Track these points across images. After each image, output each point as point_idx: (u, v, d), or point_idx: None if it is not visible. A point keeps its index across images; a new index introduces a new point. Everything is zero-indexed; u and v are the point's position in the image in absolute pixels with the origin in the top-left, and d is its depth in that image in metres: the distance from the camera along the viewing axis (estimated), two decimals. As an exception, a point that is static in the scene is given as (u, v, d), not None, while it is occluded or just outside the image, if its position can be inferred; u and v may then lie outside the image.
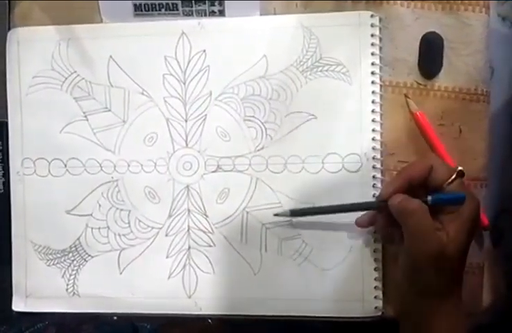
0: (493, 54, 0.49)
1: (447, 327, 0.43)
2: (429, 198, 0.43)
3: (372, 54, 0.49)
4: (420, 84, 0.49)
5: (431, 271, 0.43)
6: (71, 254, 0.53)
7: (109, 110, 0.52)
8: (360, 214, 0.47)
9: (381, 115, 0.49)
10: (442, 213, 0.43)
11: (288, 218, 0.50)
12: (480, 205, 0.44)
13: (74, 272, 0.53)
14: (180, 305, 0.51)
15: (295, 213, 0.48)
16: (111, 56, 0.52)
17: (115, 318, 0.54)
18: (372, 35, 0.49)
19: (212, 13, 0.50)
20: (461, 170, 0.44)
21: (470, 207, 0.43)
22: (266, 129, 0.50)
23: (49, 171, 0.53)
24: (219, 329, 0.54)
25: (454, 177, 0.43)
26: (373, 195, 0.49)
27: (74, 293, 0.53)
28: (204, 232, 0.51)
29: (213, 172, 0.51)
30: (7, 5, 0.53)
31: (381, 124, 0.49)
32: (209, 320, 0.53)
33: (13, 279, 0.54)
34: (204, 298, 0.51)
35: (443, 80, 0.49)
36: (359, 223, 0.47)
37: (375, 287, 0.49)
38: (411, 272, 0.44)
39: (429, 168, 0.44)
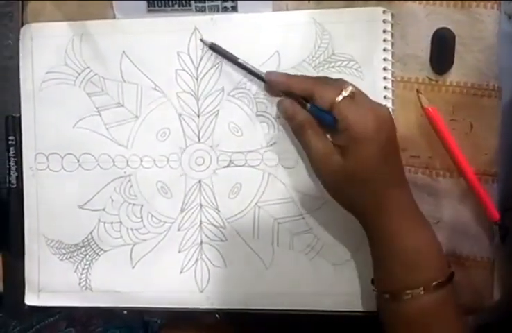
0: (499, 52, 0.50)
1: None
2: (308, 105, 0.45)
3: (384, 50, 0.49)
4: (432, 79, 0.50)
5: (327, 183, 0.45)
6: (83, 249, 0.53)
7: (122, 105, 0.52)
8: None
9: (392, 111, 0.49)
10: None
11: (299, 214, 0.50)
12: (381, 120, 0.43)
13: (87, 266, 0.53)
14: (191, 299, 0.52)
15: (213, 46, 0.50)
16: (124, 52, 0.52)
17: (125, 312, 0.54)
18: (384, 31, 0.49)
19: (225, 9, 0.51)
20: (349, 91, 0.43)
21: (359, 124, 0.42)
22: (278, 124, 0.50)
23: (62, 166, 0.53)
24: (227, 324, 0.54)
25: (339, 99, 0.43)
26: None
27: (87, 287, 0.53)
28: (216, 226, 0.51)
29: (225, 167, 0.51)
30: (21, 2, 0.53)
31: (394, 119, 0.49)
32: (217, 315, 0.54)
33: (26, 273, 0.54)
34: (216, 292, 0.52)
35: (455, 75, 0.49)
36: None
37: (386, 281, 0.49)
38: (329, 192, 0.46)
39: (310, 92, 0.44)
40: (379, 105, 0.45)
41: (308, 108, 0.45)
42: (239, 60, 0.50)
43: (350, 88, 0.44)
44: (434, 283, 0.42)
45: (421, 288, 0.42)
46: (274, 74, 0.48)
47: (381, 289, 0.45)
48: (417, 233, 0.44)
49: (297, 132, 0.47)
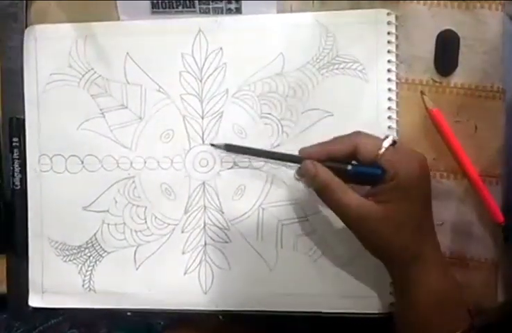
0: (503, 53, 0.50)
1: (428, 288, 0.43)
2: (349, 167, 0.43)
3: (389, 52, 0.49)
4: (436, 81, 0.50)
5: (366, 235, 0.43)
6: (87, 251, 0.53)
7: (126, 107, 0.52)
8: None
9: (397, 112, 0.49)
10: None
11: (303, 216, 0.50)
12: (424, 166, 0.43)
13: (90, 268, 0.53)
14: (195, 301, 0.52)
15: (229, 147, 0.49)
16: (128, 53, 0.52)
17: (129, 314, 0.54)
18: (388, 33, 0.49)
19: (229, 11, 0.51)
20: (391, 139, 0.43)
21: (406, 172, 0.42)
22: (282, 126, 0.50)
23: (66, 167, 0.53)
24: (230, 325, 0.54)
25: (383, 150, 0.42)
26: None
27: (90, 288, 0.53)
28: (220, 228, 0.51)
29: (229, 169, 0.51)
30: (25, 3, 0.53)
31: (397, 121, 0.49)
32: (221, 317, 0.54)
33: (30, 275, 0.54)
34: (219, 294, 0.52)
35: (459, 77, 0.49)
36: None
37: (390, 283, 0.49)
38: (366, 244, 0.45)
39: (353, 147, 0.43)
40: (416, 151, 0.44)
41: (350, 169, 0.43)
42: (264, 150, 0.49)
43: (391, 137, 0.43)
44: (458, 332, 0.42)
45: None
46: (306, 149, 0.45)
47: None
48: (445, 284, 0.44)
49: (323, 190, 0.44)
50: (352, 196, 0.43)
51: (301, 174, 0.46)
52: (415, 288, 0.43)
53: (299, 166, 0.46)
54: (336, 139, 0.45)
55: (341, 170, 0.44)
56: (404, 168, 0.42)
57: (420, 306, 0.43)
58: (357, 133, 0.44)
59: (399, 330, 0.46)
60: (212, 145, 0.50)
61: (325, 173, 0.43)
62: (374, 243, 0.44)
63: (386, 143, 0.42)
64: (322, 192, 0.44)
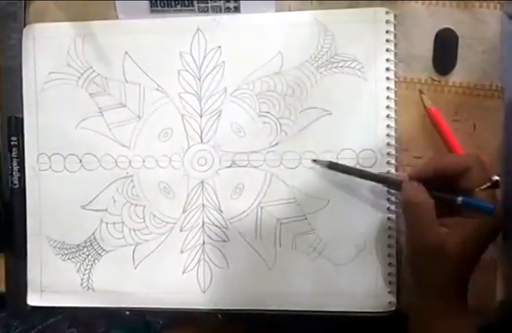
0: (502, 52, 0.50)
1: (450, 330, 0.43)
2: (459, 199, 0.43)
3: (387, 50, 0.49)
4: (435, 80, 0.50)
5: (429, 267, 0.43)
6: (85, 249, 0.53)
7: (125, 106, 0.52)
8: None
9: (395, 111, 0.49)
10: (457, 213, 0.43)
11: (302, 215, 0.50)
12: (501, 225, 0.43)
13: (89, 267, 0.53)
14: (194, 300, 0.52)
15: (332, 165, 0.48)
16: (126, 52, 0.52)
17: (127, 313, 0.54)
18: (387, 32, 0.49)
19: (227, 9, 0.51)
20: (497, 180, 0.43)
21: (491, 220, 0.42)
22: (280, 125, 0.50)
23: (64, 166, 0.53)
24: (229, 324, 0.54)
25: (489, 184, 0.42)
26: (387, 191, 0.49)
27: (89, 287, 0.53)
28: (218, 227, 0.51)
29: (227, 167, 0.51)
30: (23, 3, 0.53)
31: (396, 120, 0.49)
32: (220, 316, 0.54)
33: (28, 273, 0.54)
34: (218, 293, 0.51)
35: (458, 76, 0.49)
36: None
37: (389, 282, 0.49)
38: (412, 268, 0.45)
39: (467, 167, 0.43)
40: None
41: (460, 200, 0.43)
42: (365, 172, 0.48)
43: (498, 179, 0.43)
44: None
45: None
46: (413, 170, 0.45)
47: None
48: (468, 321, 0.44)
49: (411, 206, 0.44)
50: (433, 216, 0.42)
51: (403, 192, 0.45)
52: (431, 326, 0.43)
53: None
54: (451, 156, 0.46)
55: (449, 200, 0.43)
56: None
57: None
58: (474, 157, 0.44)
59: None
60: (314, 161, 0.49)
61: (425, 195, 0.43)
62: (421, 267, 0.44)
63: (493, 181, 0.42)
64: (413, 207, 0.44)
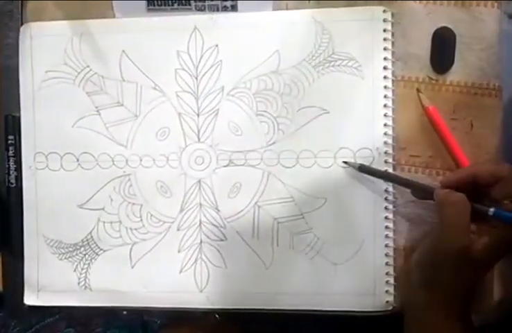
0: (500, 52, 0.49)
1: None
2: (492, 209, 0.42)
3: (385, 49, 0.49)
4: (432, 79, 0.49)
5: (449, 269, 0.43)
6: (83, 249, 0.53)
7: (122, 105, 0.52)
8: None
9: (393, 110, 0.49)
10: (486, 222, 0.43)
11: (299, 214, 0.50)
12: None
13: (86, 266, 0.53)
14: (191, 299, 0.52)
15: (363, 168, 0.48)
16: (123, 51, 0.52)
17: (125, 312, 0.54)
18: (384, 30, 0.49)
19: (225, 8, 0.51)
20: None
21: None
22: (278, 123, 0.50)
23: (61, 165, 0.53)
24: (227, 324, 0.54)
25: None
26: (385, 190, 0.49)
27: (86, 286, 0.53)
28: (216, 226, 0.51)
29: (225, 166, 0.51)
30: (20, 1, 0.53)
31: (393, 119, 0.49)
32: (217, 316, 0.54)
33: (25, 273, 0.54)
34: (215, 292, 0.51)
35: (455, 74, 0.49)
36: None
37: (387, 282, 0.49)
38: (428, 268, 0.44)
39: (500, 177, 0.42)
40: None
41: (493, 211, 0.42)
42: (397, 177, 0.48)
43: None
44: None
45: None
46: (446, 178, 0.46)
47: None
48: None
49: (450, 205, 0.43)
50: (467, 220, 0.42)
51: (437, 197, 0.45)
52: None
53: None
54: (485, 164, 0.45)
55: (482, 210, 0.43)
56: None
57: None
58: (508, 167, 0.43)
59: None
60: (345, 162, 0.49)
61: (461, 201, 0.43)
62: (435, 270, 0.44)
63: None
64: (448, 206, 0.43)
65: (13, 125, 0.54)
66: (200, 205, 0.51)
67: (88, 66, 0.52)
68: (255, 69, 0.50)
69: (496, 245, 0.42)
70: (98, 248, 0.53)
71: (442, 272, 0.43)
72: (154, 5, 0.51)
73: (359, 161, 0.49)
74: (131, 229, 0.52)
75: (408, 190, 0.48)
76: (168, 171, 0.52)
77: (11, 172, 0.53)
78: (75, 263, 0.53)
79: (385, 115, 0.49)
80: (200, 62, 0.51)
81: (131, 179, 0.52)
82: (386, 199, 0.49)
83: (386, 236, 0.49)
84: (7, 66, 0.53)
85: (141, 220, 0.52)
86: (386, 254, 0.49)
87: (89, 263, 0.53)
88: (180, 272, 0.52)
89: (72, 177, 0.53)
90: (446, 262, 0.43)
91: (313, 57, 0.50)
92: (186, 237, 0.52)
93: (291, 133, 0.50)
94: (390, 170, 0.49)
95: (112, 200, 0.52)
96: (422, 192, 0.47)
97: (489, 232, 0.42)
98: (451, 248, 0.42)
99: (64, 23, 0.52)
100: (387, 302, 0.49)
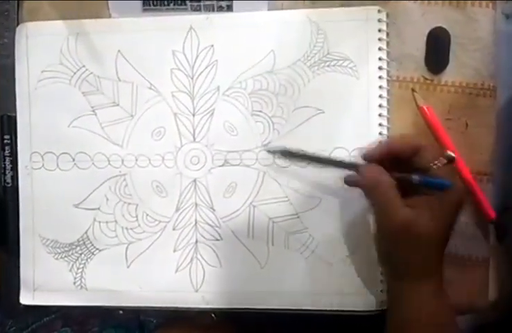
0: (497, 52, 0.49)
1: (425, 310, 0.43)
2: (414, 177, 0.43)
3: (380, 49, 0.49)
4: (427, 79, 0.50)
5: (400, 248, 0.43)
6: (78, 248, 0.53)
7: (118, 105, 0.52)
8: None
9: (388, 110, 0.49)
10: (420, 193, 0.43)
11: (294, 213, 0.50)
12: (464, 197, 0.44)
13: (82, 265, 0.53)
14: (187, 299, 0.52)
15: (285, 153, 0.48)
16: (119, 51, 0.52)
17: (121, 312, 0.54)
18: (379, 30, 0.49)
19: (220, 8, 0.51)
20: (451, 155, 0.43)
21: (453, 195, 0.42)
22: (273, 123, 0.50)
23: (57, 164, 0.53)
24: (222, 323, 0.54)
25: (444, 161, 0.43)
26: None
27: (82, 286, 0.53)
28: (211, 225, 0.51)
29: (220, 166, 0.51)
30: (16, 1, 0.53)
31: (388, 119, 0.49)
32: (213, 315, 0.54)
33: (21, 272, 0.54)
34: (211, 292, 0.51)
35: (450, 75, 0.49)
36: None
37: (381, 281, 0.49)
38: (383, 252, 0.45)
39: (416, 146, 0.43)
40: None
41: (417, 179, 0.43)
42: (322, 157, 0.48)
43: (452, 154, 0.43)
44: None
45: None
46: (367, 151, 0.45)
47: None
48: (444, 303, 0.44)
49: (374, 187, 0.44)
50: (397, 196, 0.43)
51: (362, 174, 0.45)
52: (411, 308, 0.44)
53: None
54: (401, 137, 0.46)
55: (404, 179, 0.43)
56: (459, 185, 0.43)
57: (408, 326, 0.44)
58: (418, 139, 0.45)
59: None
60: (268, 151, 0.49)
61: (386, 177, 0.43)
62: (388, 245, 0.44)
63: (447, 158, 0.43)
64: (374, 187, 0.44)
65: (9, 125, 0.54)
66: (196, 204, 0.51)
67: (84, 66, 0.52)
68: (250, 69, 0.50)
69: (436, 213, 0.42)
70: (94, 247, 0.53)
71: (395, 252, 0.44)
72: (149, 5, 0.51)
73: (355, 160, 0.49)
74: (127, 228, 0.52)
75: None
76: (163, 171, 0.52)
77: (7, 172, 0.54)
78: (71, 263, 0.53)
79: (380, 115, 0.49)
80: (195, 62, 0.51)
81: (127, 178, 0.52)
82: (381, 199, 0.49)
83: (381, 235, 0.49)
84: (3, 66, 0.54)
85: (137, 219, 0.52)
86: (381, 254, 0.49)
87: (84, 263, 0.53)
88: (176, 271, 0.52)
89: (68, 177, 0.53)
90: (394, 243, 0.43)
91: (309, 58, 0.50)
92: (182, 237, 0.52)
93: (286, 133, 0.50)
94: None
95: (107, 199, 0.52)
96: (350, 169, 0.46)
97: (427, 201, 0.42)
98: (391, 227, 0.43)
99: (60, 23, 0.53)
100: (382, 301, 0.49)
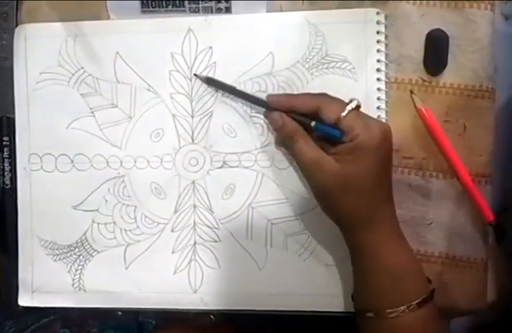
0: (496, 53, 0.50)
1: (381, 258, 0.44)
2: (313, 123, 0.45)
3: (378, 51, 0.49)
4: (425, 80, 0.50)
5: (335, 202, 0.44)
6: (77, 250, 0.53)
7: (116, 106, 0.52)
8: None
9: (386, 112, 0.49)
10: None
11: (293, 215, 0.50)
12: (386, 138, 0.43)
13: (80, 267, 0.53)
14: (185, 300, 0.52)
15: (210, 80, 0.50)
16: (118, 52, 0.52)
17: (120, 313, 0.54)
18: (377, 32, 0.49)
19: (219, 10, 0.51)
20: (354, 104, 0.44)
21: (370, 140, 0.42)
22: (272, 125, 0.50)
23: (56, 166, 0.53)
24: (221, 325, 0.54)
25: (346, 112, 0.43)
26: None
27: (80, 288, 0.53)
28: (210, 227, 0.51)
29: (219, 168, 0.51)
30: (15, 2, 0.53)
31: (387, 121, 0.49)
32: (212, 317, 0.54)
33: (19, 274, 0.54)
34: (209, 293, 0.52)
35: (448, 76, 0.49)
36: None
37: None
38: (322, 206, 0.46)
39: (316, 107, 0.44)
40: (381, 121, 0.47)
41: (313, 125, 0.45)
42: (237, 89, 0.50)
43: (355, 101, 0.44)
44: (418, 300, 0.42)
45: (405, 306, 0.42)
46: (275, 97, 0.48)
47: (363, 307, 0.45)
48: (402, 250, 0.44)
49: (288, 140, 0.46)
50: (313, 148, 0.44)
51: (269, 121, 0.49)
52: (368, 258, 0.44)
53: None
54: (303, 96, 0.47)
55: (307, 124, 0.45)
56: (364, 132, 0.43)
57: (373, 278, 0.44)
58: (323, 95, 0.46)
59: (356, 303, 0.46)
60: (195, 75, 0.51)
61: (291, 124, 0.46)
62: (326, 200, 0.45)
63: (349, 107, 0.43)
64: (288, 140, 0.46)
65: (8, 127, 0.54)
66: (194, 206, 0.52)
67: (82, 68, 0.52)
68: (249, 70, 0.50)
69: (358, 162, 0.43)
70: (93, 249, 0.53)
71: (328, 202, 0.45)
72: (148, 7, 0.51)
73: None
74: (125, 230, 0.52)
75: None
76: (162, 173, 0.52)
77: (6, 173, 0.54)
78: (70, 265, 0.53)
79: (378, 117, 0.49)
80: (194, 63, 0.51)
81: (125, 180, 0.52)
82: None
83: (379, 237, 0.49)
84: (1, 68, 0.54)
85: (136, 221, 0.52)
86: (380, 256, 0.49)
87: (83, 265, 0.53)
88: (174, 273, 0.52)
89: (66, 179, 0.53)
90: (323, 194, 0.45)
91: (307, 60, 0.50)
92: (180, 238, 0.52)
93: (284, 135, 0.50)
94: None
95: (106, 201, 0.52)
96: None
97: (345, 150, 0.43)
98: (317, 181, 0.44)
99: (58, 25, 0.52)
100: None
